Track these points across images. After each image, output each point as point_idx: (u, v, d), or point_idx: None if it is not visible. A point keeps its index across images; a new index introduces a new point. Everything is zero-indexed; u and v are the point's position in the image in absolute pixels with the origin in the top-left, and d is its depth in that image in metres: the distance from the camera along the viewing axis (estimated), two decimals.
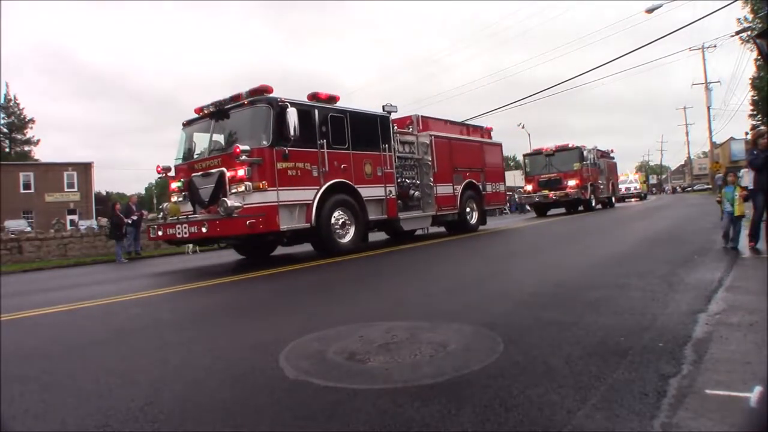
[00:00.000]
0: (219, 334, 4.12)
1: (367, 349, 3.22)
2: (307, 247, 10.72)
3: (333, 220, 9.59)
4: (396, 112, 11.50)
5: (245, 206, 8.47)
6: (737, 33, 29.14)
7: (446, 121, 14.19)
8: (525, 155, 26.08)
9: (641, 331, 3.28)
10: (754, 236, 7.12)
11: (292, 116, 8.70)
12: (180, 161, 10.06)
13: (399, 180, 11.55)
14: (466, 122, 16.03)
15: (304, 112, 9.21)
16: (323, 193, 9.40)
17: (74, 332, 4.74)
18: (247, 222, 8.14)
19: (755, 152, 7.00)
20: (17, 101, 54.92)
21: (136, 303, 6.04)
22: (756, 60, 29.95)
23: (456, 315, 4.03)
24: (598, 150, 26.62)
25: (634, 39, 21.60)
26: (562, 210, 24.73)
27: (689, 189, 68.14)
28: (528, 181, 24.86)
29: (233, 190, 8.64)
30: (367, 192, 10.41)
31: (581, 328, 3.44)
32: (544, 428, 2.03)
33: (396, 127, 11.98)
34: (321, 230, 9.30)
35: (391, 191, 11.03)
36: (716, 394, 2.28)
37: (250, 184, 8.50)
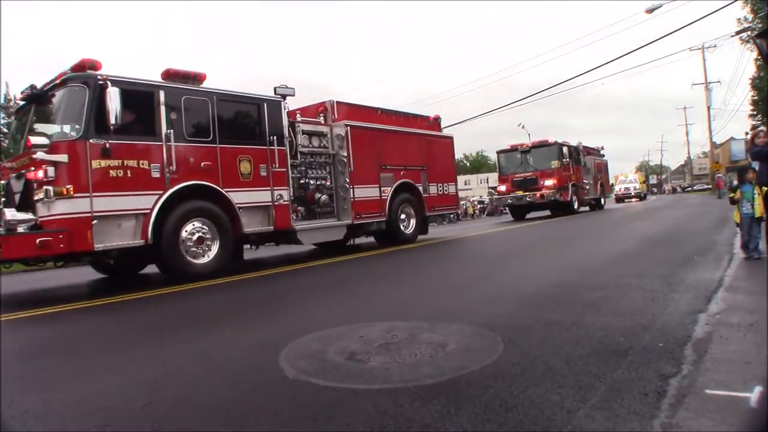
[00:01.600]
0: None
1: (367, 349, 3.22)
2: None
3: (185, 235, 7.36)
4: (293, 95, 9.22)
5: (44, 218, 6.49)
6: (737, 33, 29.15)
7: (376, 110, 11.87)
8: (499, 152, 22.98)
9: (641, 331, 3.28)
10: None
11: (114, 98, 6.60)
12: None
13: (302, 181, 9.56)
14: (407, 111, 13.32)
15: (137, 93, 7.13)
16: (169, 199, 7.18)
17: None
18: (37, 241, 6.15)
19: (756, 147, 6.99)
20: (17, 101, 54.87)
21: None
22: (756, 60, 29.94)
23: None
24: (585, 147, 24.77)
25: (634, 39, 21.60)
26: (547, 212, 22.21)
27: (689, 189, 68.13)
28: (502, 181, 22.28)
29: (36, 197, 6.60)
30: (242, 197, 8.14)
31: (581, 328, 3.44)
32: (544, 428, 2.03)
33: (300, 116, 10.00)
34: (163, 249, 7.12)
35: (281, 195, 8.70)
36: (716, 394, 2.28)
37: (51, 188, 6.38)
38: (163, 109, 7.38)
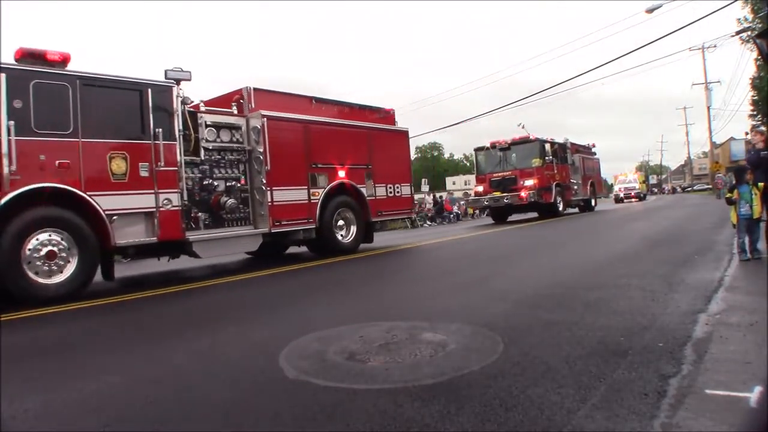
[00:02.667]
0: None
1: (367, 349, 3.23)
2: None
3: (28, 252, 6.06)
4: (189, 79, 7.75)
5: None
6: (737, 33, 29.14)
7: (310, 99, 10.23)
8: (476, 150, 20.98)
9: (641, 331, 3.28)
10: (752, 243, 7.11)
11: None
12: None
13: (206, 182, 8.08)
14: (353, 102, 11.48)
15: None
16: (6, 206, 5.92)
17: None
18: None
19: (752, 151, 7.03)
20: None
21: None
22: (756, 60, 29.95)
23: None
24: (573, 144, 22.94)
25: (634, 39, 21.55)
26: (534, 214, 20.54)
27: (689, 189, 68.13)
28: (479, 181, 20.55)
29: None
30: (114, 202, 6.70)
31: (581, 328, 3.44)
32: (544, 428, 2.04)
33: (202, 105, 8.48)
34: None
35: (168, 200, 7.26)
36: (716, 394, 2.28)
37: None
38: (3, 95, 6.01)
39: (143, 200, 7.09)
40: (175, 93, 7.60)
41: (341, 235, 10.10)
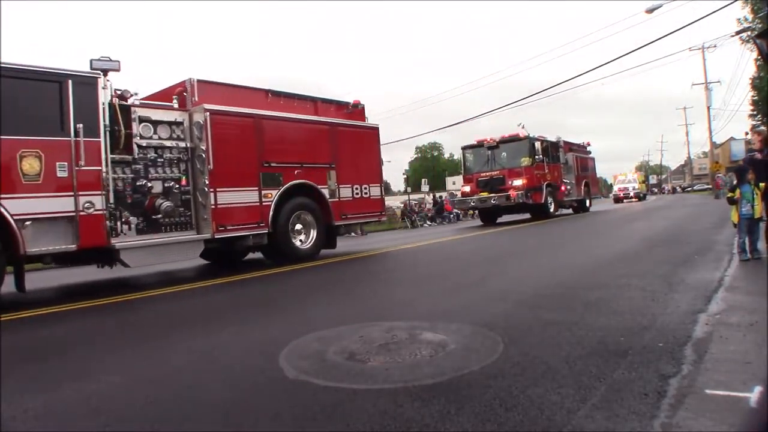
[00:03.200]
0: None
1: (367, 349, 3.23)
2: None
3: None
4: (117, 70, 7.00)
5: None
6: (737, 33, 29.15)
7: (265, 92, 9.40)
8: (464, 148, 20.08)
9: (641, 331, 3.29)
10: (752, 244, 7.12)
11: None
12: None
13: (139, 183, 7.28)
14: (315, 96, 10.44)
15: None
16: None
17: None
18: None
19: (750, 152, 7.05)
20: None
21: None
22: (756, 60, 29.96)
23: None
24: (566, 142, 22.02)
25: (634, 39, 21.53)
26: (527, 216, 19.75)
27: (689, 189, 68.12)
28: (466, 180, 19.62)
29: None
30: (24, 206, 6.03)
31: (581, 328, 3.44)
32: (544, 428, 2.04)
33: (135, 98, 7.55)
34: None
35: (91, 203, 6.55)
36: (716, 394, 2.28)
37: None
38: None
39: (60, 204, 6.35)
40: (100, 84, 6.77)
41: (300, 240, 9.30)
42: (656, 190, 75.56)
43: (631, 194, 40.29)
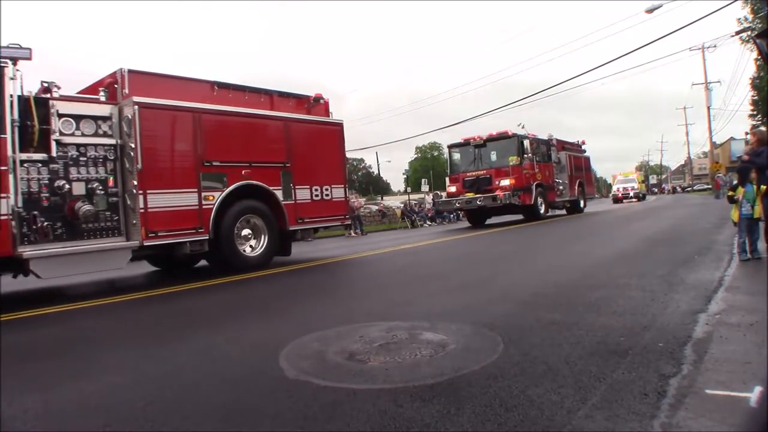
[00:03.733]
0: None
1: (367, 349, 3.23)
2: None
3: None
4: (28, 58, 6.28)
5: None
6: (737, 33, 29.16)
7: (211, 84, 8.59)
8: (450, 147, 19.37)
9: (641, 331, 3.29)
10: (751, 243, 7.11)
11: None
12: None
13: (58, 184, 6.50)
14: (270, 89, 9.46)
15: None
16: None
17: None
18: None
19: (756, 152, 7.03)
20: None
21: None
22: (756, 60, 29.98)
23: None
24: (559, 140, 21.20)
25: (634, 39, 21.53)
26: (517, 217, 18.94)
27: (689, 189, 68.11)
28: (452, 180, 18.76)
29: None
30: None
31: (581, 328, 3.44)
32: (544, 428, 2.04)
33: (54, 91, 6.74)
34: None
35: None
36: (716, 394, 2.28)
37: None
38: None
39: None
40: (8, 74, 6.06)
41: (251, 246, 8.50)
42: (656, 190, 75.55)
43: (631, 194, 39.98)
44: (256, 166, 8.46)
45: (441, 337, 3.40)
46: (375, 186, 73.90)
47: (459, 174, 18.37)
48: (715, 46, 35.90)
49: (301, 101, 9.85)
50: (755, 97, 35.30)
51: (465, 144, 18.44)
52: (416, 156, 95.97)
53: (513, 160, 17.16)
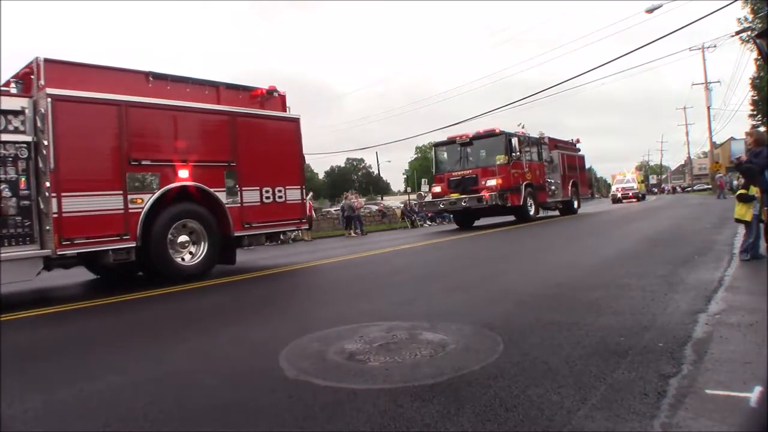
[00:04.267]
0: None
1: (367, 349, 3.23)
2: None
3: None
4: None
5: None
6: (737, 33, 29.17)
7: (146, 74, 7.78)
8: (435, 145, 18.72)
9: (641, 331, 3.28)
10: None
11: None
12: None
13: None
14: (214, 80, 8.65)
15: None
16: None
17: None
18: None
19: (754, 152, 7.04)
20: None
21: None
22: (756, 60, 29.99)
23: None
24: (552, 139, 20.37)
25: (634, 39, 21.53)
26: (509, 218, 17.97)
27: (689, 189, 68.08)
28: (437, 180, 17.88)
29: None
30: None
31: (581, 328, 3.44)
32: (544, 428, 2.04)
33: None
34: None
35: None
36: (716, 394, 2.28)
37: None
38: None
39: None
40: None
41: (190, 253, 7.62)
42: (656, 190, 75.55)
43: (630, 194, 39.60)
44: (195, 165, 7.61)
45: (441, 337, 3.40)
46: (375, 186, 73.94)
47: (444, 174, 17.56)
48: (715, 46, 35.97)
49: (252, 94, 8.98)
50: (755, 97, 35.31)
51: (451, 142, 17.71)
52: (416, 156, 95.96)
53: (500, 159, 16.32)
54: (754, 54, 27.98)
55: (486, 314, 4.04)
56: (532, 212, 17.44)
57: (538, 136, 19.18)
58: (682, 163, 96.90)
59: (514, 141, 16.63)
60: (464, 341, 3.29)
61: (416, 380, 2.61)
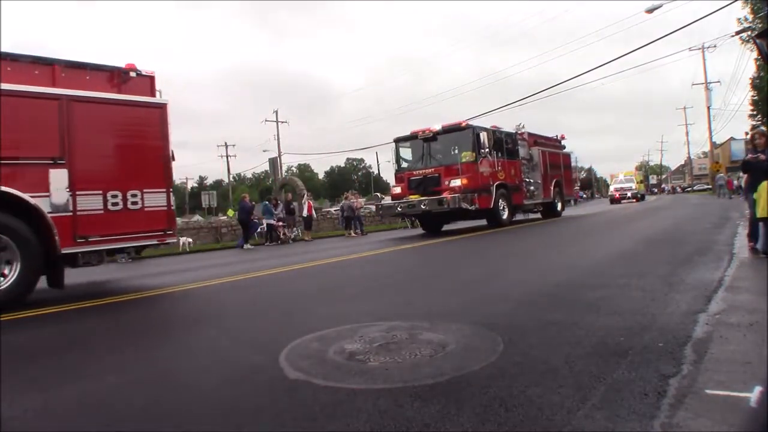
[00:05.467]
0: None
1: (367, 349, 3.23)
2: None
3: None
4: None
5: None
6: (737, 33, 29.18)
7: None
8: (397, 140, 16.36)
9: (641, 331, 3.28)
10: (753, 236, 7.14)
11: None
12: None
13: None
14: (46, 56, 6.85)
15: None
16: None
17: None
18: None
19: (751, 153, 7.05)
20: None
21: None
22: (756, 60, 30.00)
23: None
24: (532, 134, 18.74)
25: (634, 39, 21.53)
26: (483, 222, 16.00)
27: (689, 189, 68.06)
28: (398, 180, 16.04)
29: None
30: None
31: (581, 328, 3.44)
32: (544, 428, 2.03)
33: None
34: None
35: None
36: (716, 394, 2.28)
37: None
38: None
39: None
40: None
41: (2, 275, 5.95)
42: (656, 190, 75.53)
43: (628, 195, 38.88)
44: (4, 163, 5.89)
45: (441, 336, 3.40)
46: (375, 186, 73.93)
47: (405, 173, 15.69)
48: (715, 46, 35.98)
49: (111, 76, 7.25)
50: (755, 97, 35.32)
51: (413, 137, 15.74)
52: None
53: (466, 156, 14.46)
54: (754, 54, 28.00)
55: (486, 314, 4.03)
56: (505, 216, 15.61)
57: (513, 131, 17.49)
58: (682, 163, 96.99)
59: (483, 136, 14.82)
60: (464, 341, 3.29)
61: (416, 380, 2.61)
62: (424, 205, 14.28)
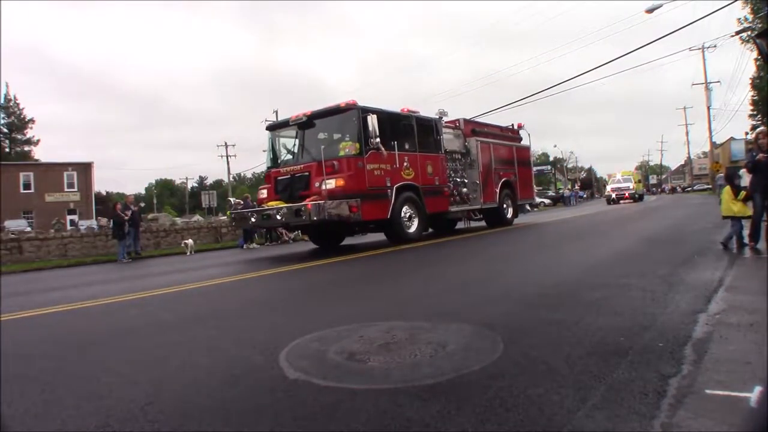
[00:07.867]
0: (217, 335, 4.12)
1: (367, 349, 3.23)
2: None
3: None
4: None
5: None
6: (737, 33, 29.18)
7: None
8: (269, 128, 12.82)
9: (641, 331, 3.28)
10: (754, 236, 7.14)
11: None
12: None
13: None
14: None
15: None
16: None
17: (75, 331, 4.73)
18: None
19: (753, 153, 7.06)
20: (17, 101, 54.96)
21: (135, 303, 6.03)
22: (756, 60, 30.02)
23: None
24: (468, 121, 15.16)
25: (633, 39, 21.55)
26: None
27: (689, 189, 68.02)
28: (266, 180, 12.30)
29: None
30: None
31: (581, 328, 3.44)
32: (544, 428, 2.03)
33: None
34: None
35: None
36: (716, 394, 2.28)
37: None
38: None
39: None
40: None
41: None
42: (656, 189, 75.47)
43: (626, 195, 37.29)
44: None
45: (441, 337, 3.39)
46: None
47: (272, 171, 11.89)
48: (715, 46, 35.95)
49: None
50: (755, 97, 35.34)
51: (285, 124, 12.05)
52: None
53: (346, 147, 10.75)
54: (754, 54, 28.01)
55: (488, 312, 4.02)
56: (412, 229, 11.58)
57: (434, 116, 13.28)
58: (682, 163, 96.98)
59: (372, 121, 10.50)
60: (464, 341, 3.29)
61: (416, 380, 2.61)
62: (279, 215, 10.31)
